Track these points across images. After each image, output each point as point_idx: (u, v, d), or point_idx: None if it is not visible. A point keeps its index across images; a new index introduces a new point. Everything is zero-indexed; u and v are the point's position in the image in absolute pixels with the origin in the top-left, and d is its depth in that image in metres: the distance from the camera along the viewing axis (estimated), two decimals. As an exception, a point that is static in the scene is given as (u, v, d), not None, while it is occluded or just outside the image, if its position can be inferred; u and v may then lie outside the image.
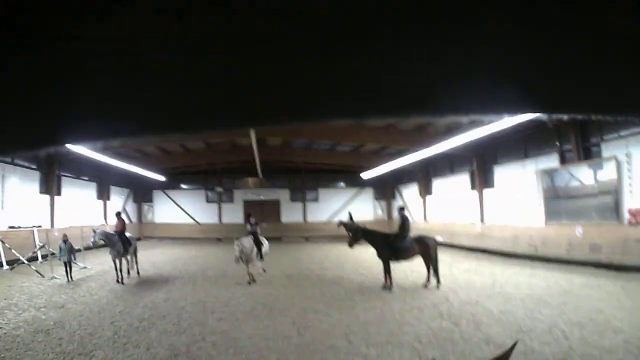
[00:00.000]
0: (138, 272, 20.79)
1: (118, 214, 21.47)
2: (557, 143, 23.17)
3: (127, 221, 41.67)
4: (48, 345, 10.21)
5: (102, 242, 19.30)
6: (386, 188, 45.20)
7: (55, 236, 25.41)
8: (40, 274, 20.04)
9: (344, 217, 30.22)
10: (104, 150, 29.34)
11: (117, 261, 19.20)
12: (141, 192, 45.52)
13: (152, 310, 13.65)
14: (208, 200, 46.48)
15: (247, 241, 18.90)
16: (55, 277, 19.41)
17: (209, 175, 44.46)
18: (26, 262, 22.07)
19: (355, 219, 40.62)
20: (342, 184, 46.12)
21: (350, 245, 16.61)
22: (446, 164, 35.35)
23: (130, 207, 44.85)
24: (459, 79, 1.04)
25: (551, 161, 23.60)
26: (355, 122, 23.54)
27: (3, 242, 22.60)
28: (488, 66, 1.03)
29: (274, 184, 44.56)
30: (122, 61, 1.07)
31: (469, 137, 21.73)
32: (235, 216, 45.30)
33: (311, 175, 45.07)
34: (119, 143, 28.05)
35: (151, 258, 27.79)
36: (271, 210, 45.77)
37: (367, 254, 19.21)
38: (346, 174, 43.83)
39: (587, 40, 1.00)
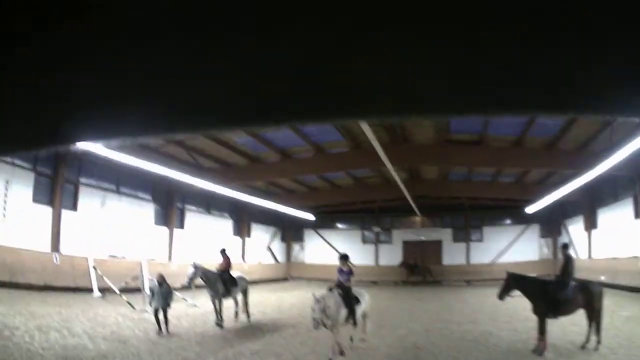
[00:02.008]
0: (248, 316, 18.85)
1: (223, 251, 19.59)
2: None
3: (273, 260, 42.15)
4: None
5: (200, 280, 17.83)
6: (551, 223, 40.10)
7: (172, 270, 24.74)
8: (131, 306, 18.87)
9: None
10: (241, 188, 28.24)
11: (217, 302, 17.47)
12: (291, 231, 44.55)
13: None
14: (364, 241, 44.17)
15: (333, 298, 13.54)
16: (146, 311, 17.99)
17: (366, 214, 42.55)
18: (117, 291, 20.86)
19: (520, 259, 37.57)
20: (508, 220, 41.87)
21: (500, 297, 14.20)
22: (610, 190, 31.40)
23: (278, 246, 43.96)
24: (459, 79, 1.03)
25: None
26: (515, 144, 20.96)
27: (96, 270, 21.85)
28: (488, 66, 1.03)
29: (435, 223, 42.12)
30: (122, 60, 1.09)
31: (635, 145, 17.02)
32: (393, 258, 42.22)
33: (475, 213, 41.63)
34: (257, 180, 28.73)
35: (284, 300, 26.13)
36: (432, 251, 42.37)
37: (524, 302, 14.78)
38: (510, 210, 39.61)
39: (587, 40, 0.99)
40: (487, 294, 27.15)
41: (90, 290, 21.45)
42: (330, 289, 13.87)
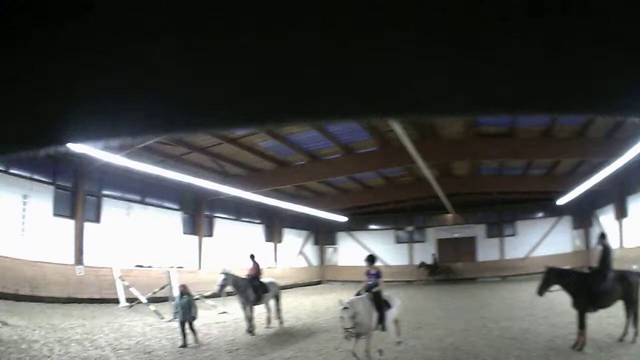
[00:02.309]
0: (281, 322, 18.37)
1: (252, 257, 19.25)
2: None
3: (305, 264, 41.66)
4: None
5: (230, 287, 17.50)
6: (582, 214, 38.94)
7: (202, 278, 24.94)
8: (159, 315, 18.68)
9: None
10: (270, 193, 28.07)
11: (248, 309, 17.05)
12: (323, 234, 44.29)
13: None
14: (398, 241, 43.64)
15: (362, 303, 12.40)
16: (176, 320, 17.45)
17: (398, 214, 42.21)
18: (145, 301, 20.73)
19: (553, 252, 36.69)
20: (540, 214, 40.84)
21: (540, 292, 13.55)
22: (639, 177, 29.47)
23: (311, 250, 43.64)
24: (459, 79, 1.02)
25: None
26: (544, 133, 20.76)
27: (122, 280, 21.81)
28: (488, 66, 1.01)
29: (468, 219, 41.49)
30: (122, 60, 1.08)
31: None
32: (428, 257, 41.34)
33: (507, 207, 40.75)
34: (286, 184, 28.17)
35: (318, 304, 25.61)
36: (466, 248, 41.70)
37: (561, 296, 14.45)
38: (542, 202, 38.74)
39: (587, 40, 0.99)
40: (522, 289, 27.93)
41: (117, 301, 21.35)
42: (359, 294, 13.13)
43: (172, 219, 28.54)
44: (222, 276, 17.16)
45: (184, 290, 15.15)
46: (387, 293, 13.60)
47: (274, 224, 37.74)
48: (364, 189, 34.50)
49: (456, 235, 42.06)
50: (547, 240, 39.03)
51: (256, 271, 18.45)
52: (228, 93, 1.06)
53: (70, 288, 20.32)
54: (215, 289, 17.81)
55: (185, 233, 29.38)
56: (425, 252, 41.52)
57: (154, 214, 27.03)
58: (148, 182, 25.14)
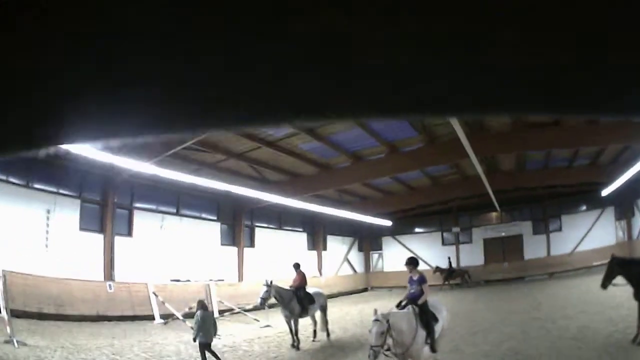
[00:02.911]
0: (328, 334, 17.31)
1: (297, 266, 18.33)
2: None
3: (350, 272, 40.73)
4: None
5: (274, 299, 16.83)
6: (624, 204, 37.19)
7: (243, 291, 24.43)
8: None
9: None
10: (312, 199, 27.09)
11: (293, 322, 16.11)
12: (368, 240, 42.92)
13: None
14: (444, 243, 42.30)
15: (406, 318, 10.56)
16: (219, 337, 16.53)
17: (444, 215, 40.96)
18: (180, 317, 19.88)
19: (597, 245, 35.32)
20: (583, 207, 39.16)
21: (604, 285, 13.32)
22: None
23: (355, 256, 42.33)
24: (459, 79, 1.01)
25: None
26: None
27: (156, 296, 21.07)
28: (488, 66, 1.00)
29: (514, 216, 40.01)
30: (121, 60, 1.08)
31: None
32: (475, 258, 40.51)
33: (552, 202, 39.14)
34: (328, 188, 27.35)
35: (365, 314, 24.23)
36: (513, 246, 40.05)
37: (613, 290, 14.02)
38: (586, 195, 37.17)
39: (586, 39, 0.98)
40: (571, 285, 28.47)
41: (151, 317, 20.50)
42: (400, 305, 11.32)
43: (210, 230, 27.47)
44: (265, 288, 16.30)
45: (203, 307, 13.63)
46: (431, 301, 11.74)
47: (317, 232, 36.64)
48: (408, 190, 33.35)
49: (503, 234, 40.63)
50: (591, 234, 37.47)
51: (301, 281, 17.51)
52: (227, 93, 1.03)
53: (99, 305, 19.45)
54: (257, 301, 17.13)
55: (223, 244, 28.30)
56: (472, 254, 40.55)
57: (189, 225, 25.99)
58: (183, 192, 24.39)
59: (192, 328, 13.82)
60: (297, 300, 16.49)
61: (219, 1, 1.01)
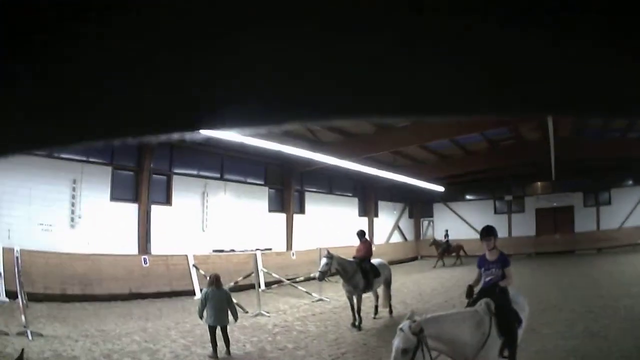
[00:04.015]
0: (390, 311, 15.00)
1: (361, 234, 15.95)
2: None
3: (401, 239, 38.81)
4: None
5: (335, 272, 14.30)
6: None
7: (292, 261, 22.73)
8: (242, 309, 14.87)
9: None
10: (365, 161, 24.39)
11: (355, 298, 13.75)
12: (419, 206, 40.48)
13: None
14: (496, 212, 39.61)
15: (466, 321, 6.98)
16: (262, 314, 14.94)
17: (497, 182, 38.23)
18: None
19: None
20: (630, 181, 36.40)
21: None
22: None
23: (405, 223, 39.88)
24: (459, 78, 0.96)
25: None
26: None
27: (197, 268, 18.86)
28: (488, 66, 0.95)
29: (566, 187, 37.16)
30: (120, 59, 1.02)
31: None
32: (527, 228, 38.00)
33: (604, 174, 36.30)
34: (385, 150, 25.26)
35: (422, 285, 22.32)
36: (564, 219, 37.59)
37: None
38: (636, 168, 34.26)
39: (586, 39, 0.92)
40: (621, 262, 27.05)
41: (190, 293, 18.41)
42: (471, 295, 7.84)
43: (257, 196, 24.88)
44: (325, 260, 13.93)
45: (216, 282, 10.92)
46: (511, 292, 8.10)
47: (368, 197, 34.10)
48: (465, 154, 30.89)
49: (554, 205, 37.97)
50: (638, 209, 34.91)
51: (366, 252, 15.03)
52: (227, 93, 0.98)
53: (132, 282, 17.37)
54: (316, 275, 15.13)
55: (271, 211, 25.77)
56: (524, 224, 38.07)
57: (235, 191, 23.46)
58: (228, 155, 22.29)
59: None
60: (362, 273, 14.17)
61: (219, 3, 0.95)
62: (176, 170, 20.92)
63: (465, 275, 21.65)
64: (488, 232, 8.43)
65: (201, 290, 15.07)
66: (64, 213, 16.91)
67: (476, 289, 8.00)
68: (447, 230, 35.15)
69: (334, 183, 30.80)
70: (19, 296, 12.20)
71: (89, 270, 16.20)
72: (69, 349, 10.50)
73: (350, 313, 13.73)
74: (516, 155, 30.74)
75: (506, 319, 7.22)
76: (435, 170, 31.93)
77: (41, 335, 11.21)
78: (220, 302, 10.57)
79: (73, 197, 17.11)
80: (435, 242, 33.20)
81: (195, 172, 21.69)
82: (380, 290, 15.10)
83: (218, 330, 10.56)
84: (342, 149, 22.06)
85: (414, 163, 30.73)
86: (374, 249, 17.15)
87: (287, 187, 26.66)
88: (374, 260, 15.07)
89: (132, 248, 18.66)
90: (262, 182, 25.43)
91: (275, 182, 26.24)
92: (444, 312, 7.59)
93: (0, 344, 10.45)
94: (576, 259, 31.93)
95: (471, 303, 7.57)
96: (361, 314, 13.60)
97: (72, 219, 17.05)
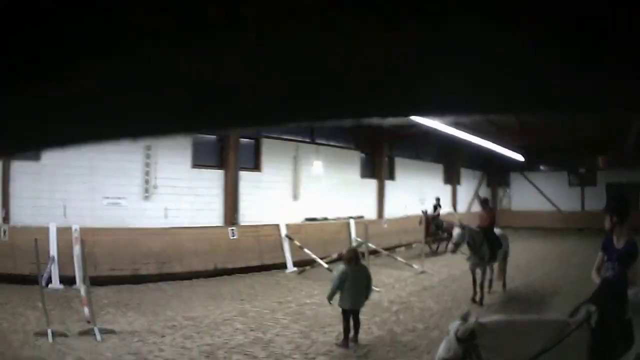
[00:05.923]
0: (504, 285, 13.01)
1: (484, 202, 14.41)
2: None
3: (479, 209, 33.14)
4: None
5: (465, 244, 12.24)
6: None
7: (383, 230, 19.66)
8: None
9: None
10: (454, 125, 20.97)
11: (480, 271, 11.89)
12: (496, 175, 36.72)
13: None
14: (570, 184, 35.99)
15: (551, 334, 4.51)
16: (373, 289, 10.84)
17: (572, 152, 33.69)
18: (324, 264, 14.44)
19: None
20: None
21: None
22: None
23: (483, 192, 35.34)
24: (459, 78, 0.90)
25: None
26: None
27: (291, 239, 15.91)
28: (488, 66, 0.90)
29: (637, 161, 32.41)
30: (119, 59, 0.94)
31: None
32: (599, 203, 30.96)
33: None
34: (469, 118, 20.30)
35: (513, 257, 18.41)
36: (632, 196, 31.60)
37: None
38: None
39: (585, 39, 0.86)
40: None
41: (282, 266, 15.54)
42: (595, 297, 4.99)
43: (349, 161, 21.86)
44: (457, 230, 12.25)
45: (354, 259, 8.28)
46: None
47: (452, 164, 30.80)
48: (548, 123, 26.05)
49: (624, 180, 33.12)
50: None
51: (491, 221, 13.02)
52: (227, 93, 0.93)
53: (218, 257, 14.48)
54: (449, 248, 14.54)
55: (363, 177, 22.71)
56: (596, 199, 33.06)
57: (326, 155, 20.33)
58: None
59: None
60: (488, 244, 12.29)
61: (219, 4, 0.87)
62: (265, 134, 17.69)
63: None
64: (616, 207, 5.78)
65: (297, 264, 13.46)
66: (136, 183, 14.46)
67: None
68: (438, 199, 22.34)
69: (420, 149, 27.37)
70: (79, 282, 9.27)
71: (167, 246, 13.61)
72: (156, 349, 7.46)
73: (472, 287, 11.76)
74: (595, 126, 25.59)
75: (606, 340, 4.50)
76: (515, 137, 27.71)
77: (113, 332, 8.07)
78: (360, 282, 8.10)
79: (147, 165, 14.51)
80: (427, 218, 19.96)
81: (285, 136, 18.53)
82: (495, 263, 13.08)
83: None
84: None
85: (496, 128, 26.44)
86: (457, 218, 15.52)
87: (379, 151, 23.51)
88: (496, 231, 12.96)
89: (217, 219, 15.94)
90: (354, 146, 22.35)
91: (366, 146, 23.13)
92: (513, 315, 6.19)
93: (57, 351, 7.15)
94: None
95: (574, 311, 4.80)
96: (484, 289, 11.69)
97: (146, 190, 14.54)
